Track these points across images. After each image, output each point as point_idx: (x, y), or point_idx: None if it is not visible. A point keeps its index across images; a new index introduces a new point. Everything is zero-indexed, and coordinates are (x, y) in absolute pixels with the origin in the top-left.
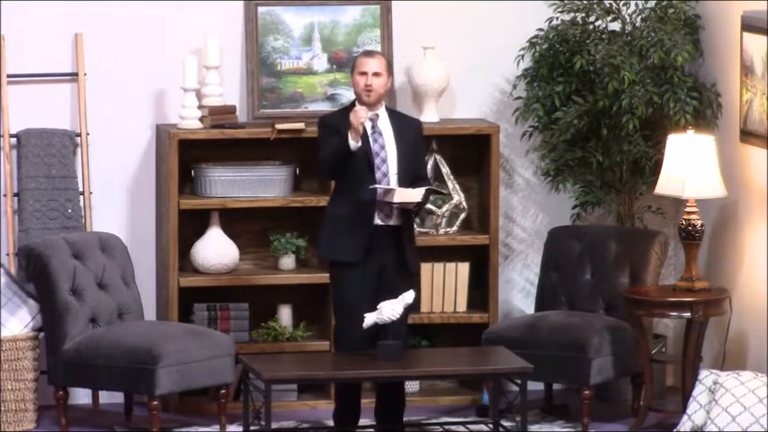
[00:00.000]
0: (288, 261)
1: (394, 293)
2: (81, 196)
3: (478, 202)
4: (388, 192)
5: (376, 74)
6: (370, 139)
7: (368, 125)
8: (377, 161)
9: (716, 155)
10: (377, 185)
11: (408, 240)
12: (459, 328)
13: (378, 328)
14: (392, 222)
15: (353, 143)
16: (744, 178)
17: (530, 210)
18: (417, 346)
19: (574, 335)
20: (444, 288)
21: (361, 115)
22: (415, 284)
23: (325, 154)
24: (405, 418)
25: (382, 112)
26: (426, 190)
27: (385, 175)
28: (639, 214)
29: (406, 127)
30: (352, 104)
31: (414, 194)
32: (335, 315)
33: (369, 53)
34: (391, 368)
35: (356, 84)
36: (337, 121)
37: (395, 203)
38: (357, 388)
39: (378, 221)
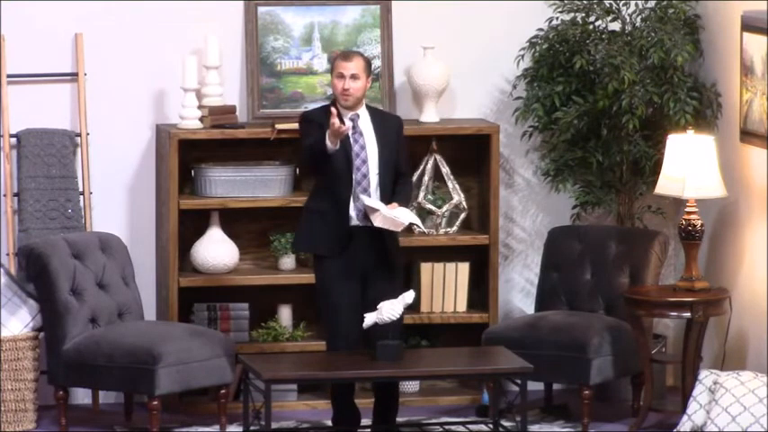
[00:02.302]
0: (288, 261)
1: (380, 295)
2: (81, 196)
3: (478, 202)
4: (373, 211)
5: (353, 76)
6: (351, 140)
7: (348, 125)
8: (357, 162)
9: (716, 155)
10: (364, 199)
11: (392, 240)
12: (459, 328)
13: (369, 328)
14: (370, 224)
15: (331, 146)
16: (744, 178)
17: (530, 210)
18: (417, 346)
19: (574, 335)
20: (444, 288)
21: (342, 131)
22: (400, 283)
23: (305, 149)
24: (405, 418)
25: (363, 111)
26: (410, 223)
27: (365, 175)
28: (639, 214)
29: (386, 125)
30: (333, 103)
31: (395, 224)
32: (322, 316)
33: (346, 55)
34: (390, 368)
35: (334, 87)
36: (319, 118)
37: (375, 225)
38: (350, 390)
39: (356, 222)
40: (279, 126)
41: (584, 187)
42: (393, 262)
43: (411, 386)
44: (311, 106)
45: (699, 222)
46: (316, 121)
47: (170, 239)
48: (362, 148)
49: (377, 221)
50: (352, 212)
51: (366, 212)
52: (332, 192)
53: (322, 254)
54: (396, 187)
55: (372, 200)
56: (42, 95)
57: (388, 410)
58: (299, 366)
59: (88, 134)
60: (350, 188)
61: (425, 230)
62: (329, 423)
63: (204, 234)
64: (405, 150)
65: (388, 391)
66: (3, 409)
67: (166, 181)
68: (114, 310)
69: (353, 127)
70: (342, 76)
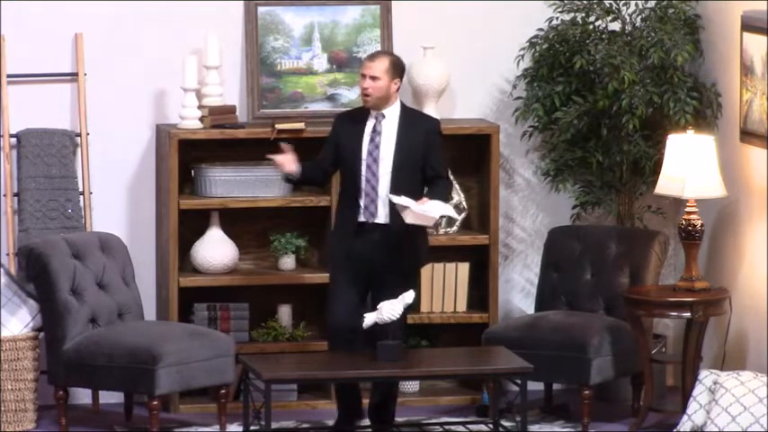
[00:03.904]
0: (288, 261)
1: (385, 293)
2: (81, 196)
3: (478, 202)
4: (404, 209)
5: (373, 77)
6: (366, 139)
7: (369, 124)
8: (368, 160)
9: (716, 155)
10: (392, 198)
11: (407, 239)
12: (459, 328)
13: (369, 327)
14: (379, 220)
15: (288, 174)
16: (744, 178)
17: (530, 210)
18: (417, 346)
19: (574, 335)
20: (444, 288)
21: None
22: (410, 284)
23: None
24: (405, 418)
25: (391, 111)
26: (440, 216)
27: (374, 174)
28: (639, 214)
29: (416, 127)
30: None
31: (426, 219)
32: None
33: (371, 56)
34: (390, 368)
35: (359, 86)
36: (342, 125)
37: (407, 222)
38: (356, 389)
39: (362, 218)
40: (279, 126)
41: (584, 187)
42: (407, 263)
43: (411, 386)
44: (311, 106)
45: (699, 222)
46: (335, 131)
47: (170, 239)
48: (377, 147)
49: (408, 218)
50: (361, 208)
51: (399, 211)
52: (345, 191)
53: (332, 258)
54: (430, 187)
55: (401, 197)
56: (42, 95)
57: (387, 410)
58: (299, 366)
59: (88, 134)
60: (358, 184)
61: (457, 218)
62: (329, 423)
63: (204, 234)
64: (439, 152)
65: (387, 391)
66: (3, 409)
67: (166, 181)
68: (114, 310)
69: (374, 126)
70: (364, 76)
